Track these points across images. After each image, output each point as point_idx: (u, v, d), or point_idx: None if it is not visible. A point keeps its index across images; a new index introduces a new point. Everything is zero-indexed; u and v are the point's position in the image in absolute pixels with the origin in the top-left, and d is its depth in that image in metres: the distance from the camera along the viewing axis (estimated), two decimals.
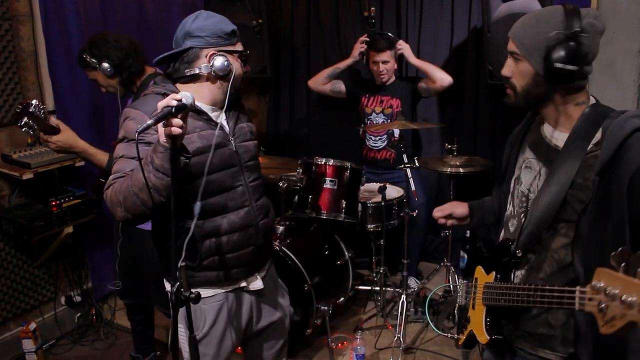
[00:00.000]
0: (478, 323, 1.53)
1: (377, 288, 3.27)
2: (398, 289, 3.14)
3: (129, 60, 2.28)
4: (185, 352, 1.60)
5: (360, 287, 3.41)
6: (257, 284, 1.83)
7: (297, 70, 4.24)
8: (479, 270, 1.60)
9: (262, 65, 3.68)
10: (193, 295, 1.40)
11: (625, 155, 1.24)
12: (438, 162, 3.21)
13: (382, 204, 3.01)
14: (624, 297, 0.97)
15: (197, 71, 1.62)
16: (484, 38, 3.14)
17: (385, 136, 3.51)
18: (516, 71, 1.38)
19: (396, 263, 3.58)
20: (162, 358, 2.85)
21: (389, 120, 3.45)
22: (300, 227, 3.18)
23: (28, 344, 2.86)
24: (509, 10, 2.89)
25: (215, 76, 1.63)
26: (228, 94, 1.66)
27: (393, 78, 3.52)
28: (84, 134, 2.28)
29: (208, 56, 1.61)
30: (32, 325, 2.87)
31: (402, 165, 2.89)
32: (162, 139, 1.38)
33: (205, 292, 1.67)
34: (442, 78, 3.29)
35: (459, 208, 1.80)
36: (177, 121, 1.34)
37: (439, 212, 1.81)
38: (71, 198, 2.83)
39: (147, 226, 1.82)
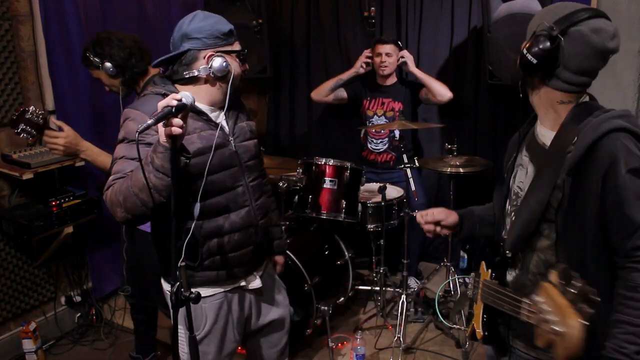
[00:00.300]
0: (477, 318, 1.54)
1: (377, 288, 3.27)
2: (398, 289, 3.14)
3: (132, 61, 2.26)
4: (184, 353, 1.60)
5: (360, 287, 3.42)
6: (255, 282, 1.84)
7: (297, 70, 4.24)
8: (482, 266, 1.60)
9: (262, 65, 3.68)
10: (193, 295, 1.40)
11: (598, 155, 1.25)
12: (438, 162, 3.21)
13: (382, 204, 3.01)
14: (552, 325, 1.09)
15: (195, 73, 1.61)
16: (484, 38, 3.14)
17: (387, 139, 3.51)
18: None
19: (396, 263, 3.58)
20: (163, 358, 2.85)
21: None
22: (300, 227, 3.18)
23: (28, 344, 2.85)
24: (509, 11, 2.90)
25: (214, 77, 1.62)
26: (228, 95, 1.65)
27: (394, 79, 3.53)
28: (84, 134, 2.27)
29: (206, 58, 1.60)
30: (32, 325, 2.87)
31: (402, 165, 2.90)
32: (163, 138, 1.37)
33: (205, 292, 1.67)
34: (442, 94, 3.32)
35: (450, 217, 1.66)
36: (177, 121, 1.34)
37: (420, 218, 1.67)
38: (71, 198, 2.82)
39: (149, 228, 1.82)
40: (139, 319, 2.74)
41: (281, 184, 2.94)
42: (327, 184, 2.98)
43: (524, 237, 1.40)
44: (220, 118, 1.69)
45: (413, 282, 3.49)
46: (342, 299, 3.10)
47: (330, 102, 3.67)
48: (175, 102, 1.33)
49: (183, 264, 1.40)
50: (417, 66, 3.47)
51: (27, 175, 2.59)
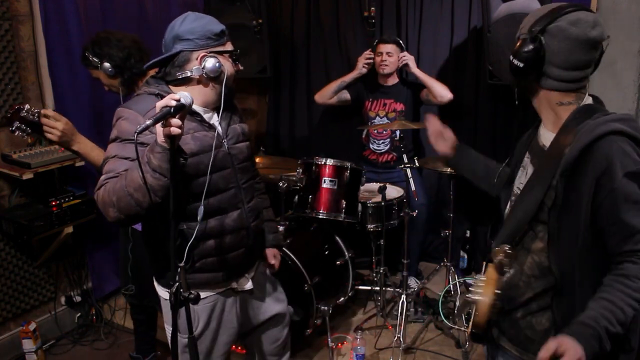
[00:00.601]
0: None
1: (377, 288, 3.27)
2: (398, 289, 3.14)
3: (131, 61, 2.25)
4: (183, 354, 1.60)
5: (360, 287, 3.41)
6: (247, 284, 1.84)
7: (297, 70, 4.23)
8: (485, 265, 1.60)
9: (262, 65, 3.67)
10: (192, 296, 1.40)
11: (593, 158, 1.24)
12: (438, 162, 3.20)
13: (382, 204, 3.01)
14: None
15: (188, 74, 1.61)
16: (484, 38, 3.14)
17: (389, 140, 3.51)
18: None
19: (396, 263, 3.58)
20: (163, 358, 2.85)
21: None
22: (300, 227, 3.18)
23: (28, 344, 2.86)
24: (509, 10, 2.89)
25: (207, 78, 1.62)
26: (223, 95, 1.64)
27: (396, 79, 3.52)
28: (83, 134, 2.26)
29: (199, 58, 1.60)
30: (32, 325, 2.87)
31: (402, 165, 2.90)
32: (161, 139, 1.37)
33: None
34: (443, 95, 3.32)
35: (450, 139, 1.94)
36: (175, 121, 1.34)
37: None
38: (71, 198, 2.83)
39: (140, 227, 1.82)
40: (139, 319, 2.74)
41: (281, 184, 2.94)
42: (327, 184, 2.98)
43: (515, 235, 1.40)
44: (214, 119, 1.69)
45: (413, 282, 3.49)
46: (342, 299, 3.10)
47: (334, 104, 3.67)
48: (174, 103, 1.33)
49: (183, 264, 1.40)
50: (417, 66, 3.46)
51: (27, 175, 2.60)
